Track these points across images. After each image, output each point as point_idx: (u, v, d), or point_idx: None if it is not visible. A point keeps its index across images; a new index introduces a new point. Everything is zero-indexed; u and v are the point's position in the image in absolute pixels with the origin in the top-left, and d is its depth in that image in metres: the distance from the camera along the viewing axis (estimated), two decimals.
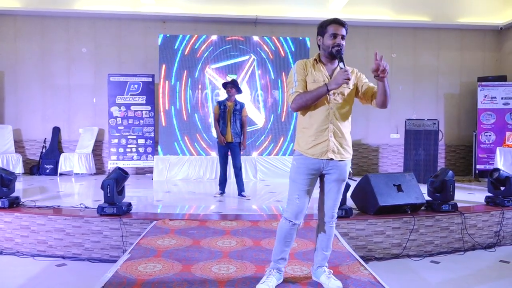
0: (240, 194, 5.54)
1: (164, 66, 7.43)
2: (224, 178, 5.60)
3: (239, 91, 5.55)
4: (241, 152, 5.56)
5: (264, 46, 7.59)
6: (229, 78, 7.01)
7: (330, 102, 2.27)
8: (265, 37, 7.64)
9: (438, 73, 8.43)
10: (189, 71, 7.49)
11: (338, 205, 2.43)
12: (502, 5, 8.11)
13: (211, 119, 7.15)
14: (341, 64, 2.19)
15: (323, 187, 2.40)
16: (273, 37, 7.65)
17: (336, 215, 2.44)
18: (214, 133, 7.41)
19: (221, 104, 5.48)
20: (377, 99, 2.29)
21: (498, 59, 8.49)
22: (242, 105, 5.51)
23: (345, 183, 2.39)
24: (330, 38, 2.25)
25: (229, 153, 5.53)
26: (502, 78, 7.86)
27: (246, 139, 5.62)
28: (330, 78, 2.29)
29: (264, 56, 7.57)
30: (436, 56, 8.42)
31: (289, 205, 2.34)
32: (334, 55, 2.26)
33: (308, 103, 2.23)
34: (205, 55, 7.49)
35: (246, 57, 7.55)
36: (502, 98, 7.62)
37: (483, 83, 7.76)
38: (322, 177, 2.38)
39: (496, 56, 8.50)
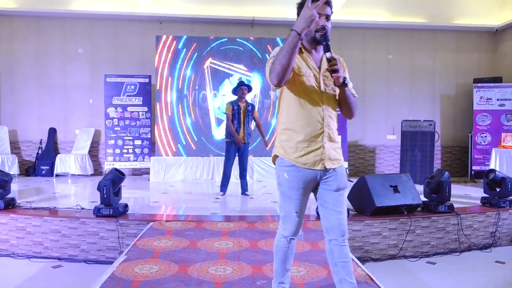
0: (243, 193, 5.62)
1: (160, 69, 7.41)
2: (228, 179, 5.56)
3: (250, 89, 5.66)
4: (267, 148, 5.87)
5: (261, 47, 7.58)
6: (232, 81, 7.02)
7: (324, 102, 1.93)
8: (261, 38, 7.64)
9: (434, 74, 8.47)
10: (186, 71, 7.47)
11: (347, 218, 2.01)
12: (497, 7, 8.17)
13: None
14: (327, 54, 1.83)
15: (324, 203, 1.99)
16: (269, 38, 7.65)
17: (347, 231, 1.98)
18: (216, 135, 7.39)
19: (234, 104, 5.44)
20: (340, 108, 2.02)
21: (494, 60, 8.54)
22: (253, 106, 5.63)
23: (345, 190, 2.05)
24: None
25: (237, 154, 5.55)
26: (498, 80, 7.90)
27: (265, 136, 5.80)
28: (319, 69, 1.96)
29: (261, 57, 7.57)
30: (432, 57, 8.46)
31: (286, 222, 2.01)
32: (318, 40, 1.90)
33: (283, 61, 1.73)
34: (203, 55, 7.47)
35: (245, 62, 7.57)
36: (497, 100, 7.65)
37: (479, 84, 7.80)
38: (317, 189, 2.02)
39: (491, 57, 8.55)
